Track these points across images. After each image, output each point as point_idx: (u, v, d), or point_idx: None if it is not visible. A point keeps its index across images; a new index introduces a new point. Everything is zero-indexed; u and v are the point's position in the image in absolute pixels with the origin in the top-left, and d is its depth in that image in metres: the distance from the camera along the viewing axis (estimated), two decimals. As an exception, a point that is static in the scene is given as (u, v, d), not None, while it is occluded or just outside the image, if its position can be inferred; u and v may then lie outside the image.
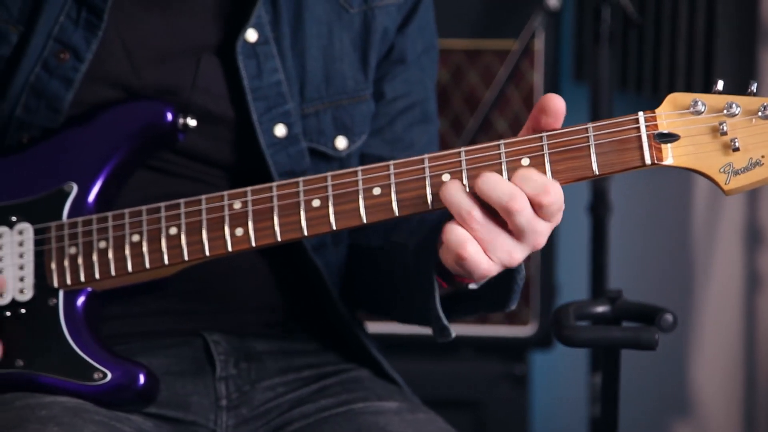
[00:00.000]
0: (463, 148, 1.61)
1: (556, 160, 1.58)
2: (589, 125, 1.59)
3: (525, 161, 1.58)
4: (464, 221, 1.55)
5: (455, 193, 1.56)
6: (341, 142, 1.85)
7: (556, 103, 1.57)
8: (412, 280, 1.71)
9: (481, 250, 1.56)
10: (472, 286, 1.68)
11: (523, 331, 3.02)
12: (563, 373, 3.22)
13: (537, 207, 1.54)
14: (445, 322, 1.67)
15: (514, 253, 1.57)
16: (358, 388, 1.86)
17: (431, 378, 2.95)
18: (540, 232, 1.56)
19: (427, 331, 1.87)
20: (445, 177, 1.61)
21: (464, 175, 1.60)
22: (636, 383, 2.90)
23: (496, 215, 1.55)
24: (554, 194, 1.55)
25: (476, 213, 1.55)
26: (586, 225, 2.86)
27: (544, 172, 1.58)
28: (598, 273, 2.84)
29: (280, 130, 1.80)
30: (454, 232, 1.55)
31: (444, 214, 1.61)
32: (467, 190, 1.57)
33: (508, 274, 1.65)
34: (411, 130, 1.90)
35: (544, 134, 1.59)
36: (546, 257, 3.02)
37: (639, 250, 3.21)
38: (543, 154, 1.58)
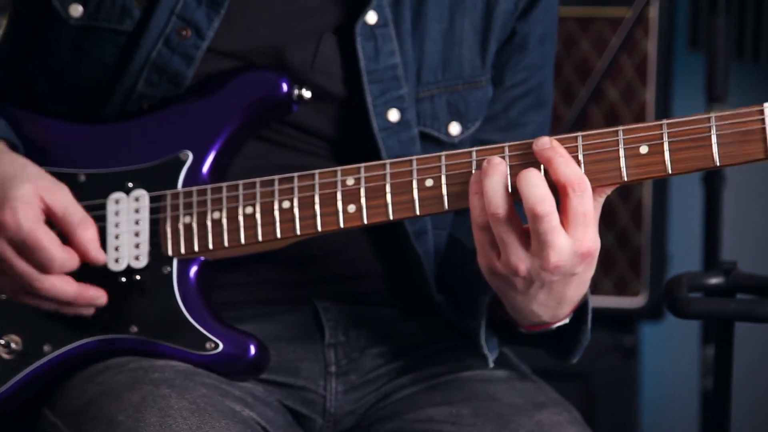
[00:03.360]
0: (580, 133, 1.60)
1: (675, 149, 1.56)
2: (712, 115, 1.55)
3: (644, 149, 1.57)
4: (489, 214, 1.56)
5: (495, 187, 1.57)
6: (455, 128, 1.84)
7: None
8: (470, 297, 1.73)
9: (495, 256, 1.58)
10: (521, 330, 1.69)
11: (633, 302, 2.99)
12: (674, 345, 3.19)
13: (562, 196, 1.55)
14: (485, 351, 1.72)
15: (521, 263, 1.56)
16: (467, 356, 1.86)
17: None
18: (557, 247, 1.55)
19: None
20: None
21: (581, 159, 1.59)
22: (749, 357, 2.86)
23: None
24: (582, 188, 1.55)
25: (502, 211, 1.56)
26: (699, 195, 2.82)
27: (663, 161, 1.56)
28: (712, 244, 2.80)
29: (393, 115, 1.79)
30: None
31: None
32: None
33: (571, 331, 1.67)
34: (525, 115, 1.89)
35: (665, 122, 1.56)
36: (657, 227, 2.98)
37: (754, 221, 3.15)
38: (662, 143, 1.56)
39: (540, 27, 1.87)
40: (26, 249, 1.67)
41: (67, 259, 1.69)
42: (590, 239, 1.57)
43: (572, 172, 1.56)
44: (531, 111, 1.89)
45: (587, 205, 1.56)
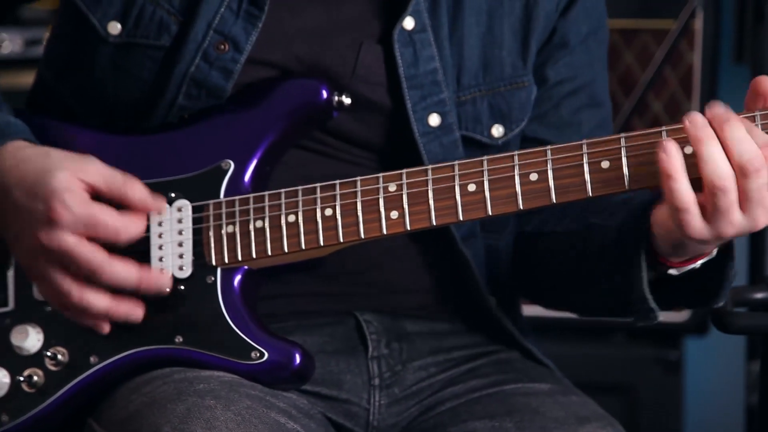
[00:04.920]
0: (623, 134, 1.59)
1: None
2: (757, 114, 1.55)
3: (688, 150, 1.56)
4: (714, 185, 1.53)
5: (715, 155, 1.53)
6: (497, 131, 1.84)
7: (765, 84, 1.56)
8: (613, 260, 1.69)
9: (700, 218, 1.54)
10: (672, 271, 1.66)
11: (678, 316, 2.97)
12: (719, 360, 3.17)
13: None
14: (652, 303, 1.66)
15: (734, 228, 1.55)
16: (509, 369, 1.86)
17: (583, 362, 2.93)
18: (766, 206, 1.53)
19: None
20: (605, 164, 1.59)
21: (624, 162, 1.59)
22: (795, 372, 2.83)
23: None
24: None
25: (730, 181, 1.52)
26: (744, 209, 2.80)
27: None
28: (757, 258, 2.78)
29: (434, 120, 1.79)
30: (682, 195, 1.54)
31: (655, 195, 1.59)
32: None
33: (717, 268, 1.64)
34: (578, 114, 1.88)
35: (758, 113, 1.56)
36: (702, 242, 2.96)
37: (800, 235, 3.12)
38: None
39: (584, 25, 1.87)
40: (90, 230, 1.66)
41: (130, 222, 1.68)
42: None
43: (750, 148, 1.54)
44: (585, 110, 1.89)
45: None
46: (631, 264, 1.66)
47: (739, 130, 1.54)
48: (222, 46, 1.76)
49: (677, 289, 1.69)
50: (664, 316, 2.99)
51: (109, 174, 1.70)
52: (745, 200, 1.54)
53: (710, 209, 1.54)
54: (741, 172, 1.53)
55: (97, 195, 1.69)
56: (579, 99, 1.89)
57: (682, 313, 2.97)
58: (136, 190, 1.70)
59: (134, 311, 1.71)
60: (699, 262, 1.65)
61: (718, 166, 1.53)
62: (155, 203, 1.71)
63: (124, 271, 1.68)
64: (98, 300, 1.69)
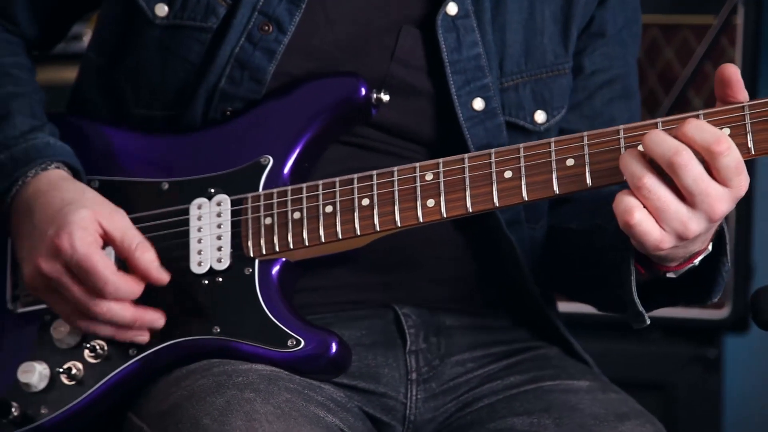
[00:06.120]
0: (659, 119, 1.60)
1: (758, 130, 1.55)
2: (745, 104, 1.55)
3: (725, 131, 1.55)
4: (635, 187, 1.54)
5: (628, 160, 1.55)
6: (540, 116, 1.84)
7: (729, 72, 1.55)
8: (608, 263, 1.70)
9: (650, 218, 1.54)
10: (671, 275, 1.66)
11: (717, 313, 2.95)
12: (759, 358, 3.15)
13: (709, 159, 1.52)
14: (640, 307, 1.67)
15: (689, 223, 1.54)
16: (547, 365, 1.85)
17: (620, 359, 2.91)
18: (714, 196, 1.53)
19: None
20: (641, 148, 1.59)
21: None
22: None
23: (672, 183, 1.54)
24: (727, 146, 1.52)
25: (647, 179, 1.53)
26: (785, 204, 2.79)
27: (746, 143, 1.55)
28: (798, 256, 2.76)
29: (478, 104, 1.80)
30: (622, 201, 1.54)
31: None
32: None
33: (712, 264, 1.65)
34: (611, 105, 1.89)
35: (746, 104, 1.55)
36: (741, 236, 2.94)
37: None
38: (745, 124, 1.55)
39: (620, 16, 1.88)
40: (81, 273, 1.69)
41: (121, 284, 1.70)
42: (746, 181, 1.54)
43: (709, 133, 1.53)
44: (618, 102, 1.89)
45: (737, 157, 1.53)
46: (621, 269, 1.67)
47: (656, 134, 1.54)
48: (266, 27, 1.77)
49: (675, 288, 1.70)
50: (702, 314, 3.00)
51: (130, 232, 1.71)
52: (688, 196, 1.53)
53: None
54: (672, 170, 1.52)
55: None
56: (613, 90, 1.89)
57: (721, 310, 2.95)
58: (146, 255, 1.71)
59: (140, 335, 1.73)
60: (697, 260, 1.65)
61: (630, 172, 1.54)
62: (158, 274, 1.72)
63: (119, 310, 1.70)
64: (103, 330, 1.72)
